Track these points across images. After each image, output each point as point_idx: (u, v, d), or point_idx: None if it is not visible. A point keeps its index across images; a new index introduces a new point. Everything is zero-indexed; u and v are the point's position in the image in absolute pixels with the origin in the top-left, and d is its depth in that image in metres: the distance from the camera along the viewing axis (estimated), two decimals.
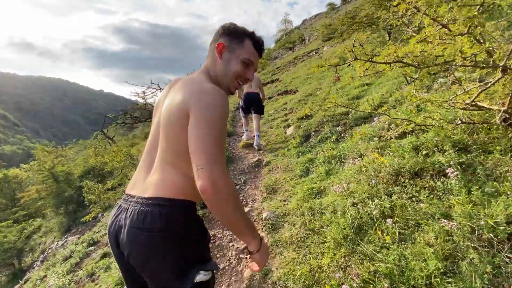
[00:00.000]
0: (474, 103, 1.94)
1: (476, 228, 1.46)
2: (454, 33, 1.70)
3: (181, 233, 0.87)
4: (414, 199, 1.89)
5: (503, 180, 1.68)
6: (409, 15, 2.15)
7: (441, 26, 1.89)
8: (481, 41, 1.82)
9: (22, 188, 15.58)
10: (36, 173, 11.02)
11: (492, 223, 1.41)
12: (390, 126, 3.10)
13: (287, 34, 37.98)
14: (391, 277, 1.46)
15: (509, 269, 1.29)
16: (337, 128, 4.05)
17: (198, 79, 0.97)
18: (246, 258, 2.41)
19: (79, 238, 5.87)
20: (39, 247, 10.55)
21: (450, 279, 1.33)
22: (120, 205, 0.97)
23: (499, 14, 2.14)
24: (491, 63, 1.73)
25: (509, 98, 1.81)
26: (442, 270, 1.38)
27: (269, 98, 9.91)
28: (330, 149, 3.59)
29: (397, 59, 1.86)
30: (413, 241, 1.62)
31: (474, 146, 2.07)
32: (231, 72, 1.03)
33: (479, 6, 1.65)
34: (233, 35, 1.03)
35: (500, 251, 1.35)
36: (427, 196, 1.81)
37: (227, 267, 2.34)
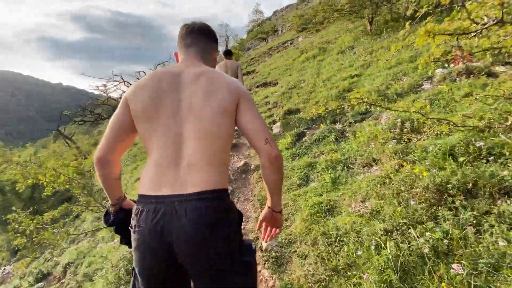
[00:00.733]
0: None
1: None
2: None
3: (237, 217, 0.98)
4: (476, 228, 1.41)
5: None
6: None
7: None
8: None
9: None
10: None
11: None
12: (405, 124, 2.64)
13: (259, 25, 37.68)
14: None
15: None
16: (337, 126, 3.55)
17: (221, 72, 1.04)
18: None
19: (27, 266, 4.84)
20: None
21: None
22: (153, 210, 0.86)
23: None
24: None
25: None
26: None
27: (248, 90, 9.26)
28: (331, 151, 3.08)
29: None
30: None
31: None
32: None
33: None
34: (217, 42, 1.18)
35: None
36: (498, 227, 1.34)
37: None
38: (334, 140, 3.30)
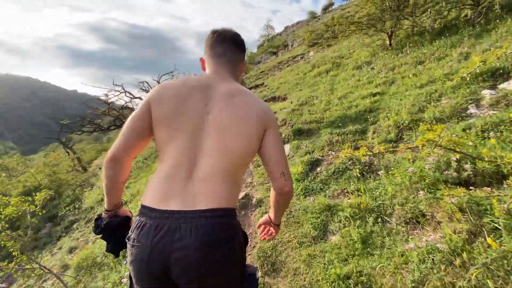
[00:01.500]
0: None
1: None
2: None
3: (242, 241, 0.91)
4: None
5: None
6: None
7: None
8: None
9: None
10: None
11: None
12: (464, 165, 1.92)
13: (269, 39, 38.53)
14: None
15: None
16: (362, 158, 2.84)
17: (252, 94, 1.01)
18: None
19: None
20: None
21: None
22: (156, 226, 0.79)
23: None
24: None
25: None
26: None
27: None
28: (356, 192, 2.38)
29: None
30: None
31: None
32: None
33: None
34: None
35: None
36: None
37: None
38: (359, 175, 2.60)
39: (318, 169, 3.09)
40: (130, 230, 0.86)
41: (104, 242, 1.05)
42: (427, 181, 1.96)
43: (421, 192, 1.90)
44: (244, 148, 0.89)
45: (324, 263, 1.81)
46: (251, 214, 2.93)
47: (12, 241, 2.53)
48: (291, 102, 6.97)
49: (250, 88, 12.39)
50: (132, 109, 10.55)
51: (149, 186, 0.89)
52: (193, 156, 0.86)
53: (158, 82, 11.04)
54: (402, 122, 3.18)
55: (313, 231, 2.17)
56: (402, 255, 1.59)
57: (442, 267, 1.34)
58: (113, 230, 1.00)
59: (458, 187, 1.78)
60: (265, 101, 8.90)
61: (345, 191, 2.52)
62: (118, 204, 1.02)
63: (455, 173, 1.90)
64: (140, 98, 10.91)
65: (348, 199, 2.39)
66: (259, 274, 0.89)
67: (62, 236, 5.76)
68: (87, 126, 10.87)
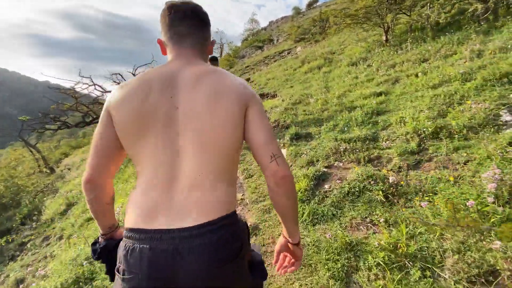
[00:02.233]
0: None
1: None
2: None
3: (247, 241, 0.82)
4: None
5: None
6: None
7: None
8: None
9: None
10: None
11: None
12: None
13: (254, 34, 38.30)
14: None
15: None
16: (380, 172, 2.29)
17: (225, 71, 0.82)
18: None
19: None
20: None
21: None
22: (149, 250, 0.66)
23: None
24: None
25: None
26: None
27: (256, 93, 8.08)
28: (383, 224, 1.83)
29: None
30: None
31: None
32: None
33: None
34: None
35: None
36: None
37: None
38: (383, 199, 2.06)
39: (327, 186, 2.52)
40: (118, 261, 0.72)
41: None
42: (492, 219, 1.43)
43: (488, 237, 1.37)
44: (228, 135, 0.74)
45: None
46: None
47: None
48: (283, 100, 6.39)
49: None
50: (103, 104, 9.40)
51: (129, 205, 0.75)
52: (172, 162, 0.72)
53: (134, 75, 9.96)
54: (423, 129, 2.68)
55: (333, 282, 1.60)
56: None
57: None
58: (110, 251, 0.87)
59: None
60: None
61: (367, 220, 1.97)
62: (112, 226, 0.91)
63: None
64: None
65: (374, 232, 1.84)
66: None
67: (16, 255, 4.87)
68: (51, 123, 9.57)
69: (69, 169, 10.45)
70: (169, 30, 0.84)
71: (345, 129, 3.51)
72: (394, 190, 2.09)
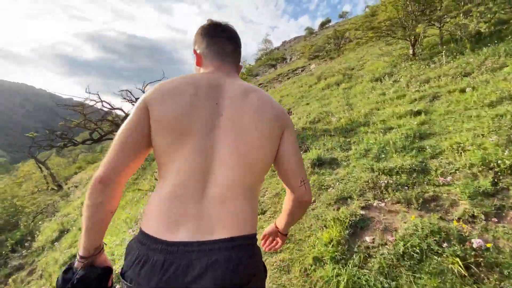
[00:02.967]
0: None
1: None
2: None
3: (264, 275, 0.76)
4: None
5: None
6: None
7: None
8: None
9: None
10: None
11: None
12: None
13: (267, 53, 39.23)
14: None
15: None
16: (458, 231, 1.60)
17: (267, 94, 0.81)
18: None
19: None
20: None
21: None
22: (162, 263, 0.59)
23: None
24: None
25: None
26: None
27: None
28: None
29: None
30: None
31: None
32: None
33: None
34: None
35: None
36: None
37: None
38: (462, 270, 1.37)
39: (368, 238, 1.85)
40: (126, 264, 0.64)
41: None
42: None
43: None
44: (265, 153, 0.73)
45: None
46: None
47: None
48: (299, 118, 5.82)
49: None
50: (111, 122, 9.16)
51: (150, 208, 0.68)
52: (206, 168, 0.67)
53: (143, 91, 9.75)
54: (497, 160, 2.00)
55: None
56: None
57: None
58: (89, 284, 0.67)
59: None
60: None
61: None
62: (98, 247, 0.71)
63: None
64: (121, 109, 9.59)
65: None
66: None
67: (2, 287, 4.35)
68: (57, 141, 9.33)
69: (76, 187, 10.13)
70: (212, 44, 0.83)
71: (381, 155, 2.85)
72: (479, 257, 1.40)
